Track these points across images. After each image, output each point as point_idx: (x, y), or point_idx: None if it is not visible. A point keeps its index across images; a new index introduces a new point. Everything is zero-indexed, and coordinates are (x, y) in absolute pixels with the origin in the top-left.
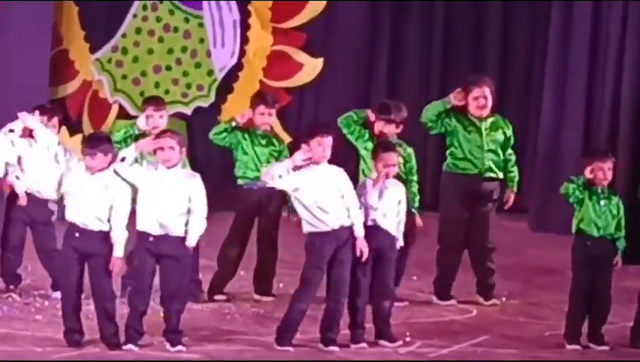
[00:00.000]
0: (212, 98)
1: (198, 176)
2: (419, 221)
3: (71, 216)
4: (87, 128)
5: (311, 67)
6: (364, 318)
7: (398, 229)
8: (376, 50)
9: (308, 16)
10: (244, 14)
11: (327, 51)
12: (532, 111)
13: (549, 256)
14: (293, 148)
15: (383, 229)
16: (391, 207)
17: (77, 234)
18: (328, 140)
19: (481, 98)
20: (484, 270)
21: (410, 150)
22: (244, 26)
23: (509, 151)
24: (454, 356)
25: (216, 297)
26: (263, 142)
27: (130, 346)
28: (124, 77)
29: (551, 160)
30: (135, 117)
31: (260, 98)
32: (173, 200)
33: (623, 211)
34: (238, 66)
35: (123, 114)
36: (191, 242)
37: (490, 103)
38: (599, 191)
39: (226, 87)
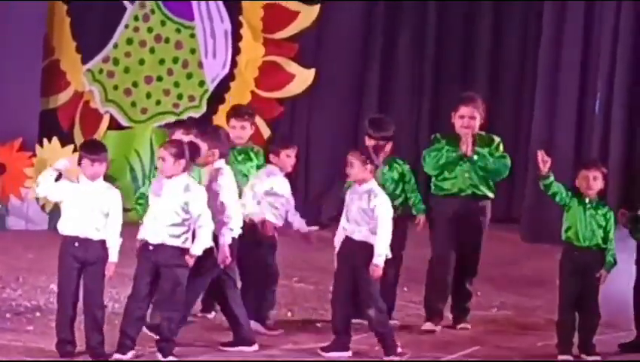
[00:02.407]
0: (203, 108)
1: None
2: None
3: (70, 227)
4: (79, 139)
5: (303, 78)
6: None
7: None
8: (369, 62)
9: (300, 27)
10: (236, 25)
11: (319, 62)
12: (523, 122)
13: (542, 266)
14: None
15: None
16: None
17: (76, 244)
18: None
19: (466, 118)
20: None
21: (406, 167)
22: (236, 37)
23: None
24: None
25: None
26: (240, 158)
27: (118, 356)
28: (116, 87)
29: None
30: (127, 127)
31: (231, 111)
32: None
33: (613, 223)
34: (230, 77)
35: (114, 124)
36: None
37: (476, 124)
38: (586, 201)
39: (217, 97)
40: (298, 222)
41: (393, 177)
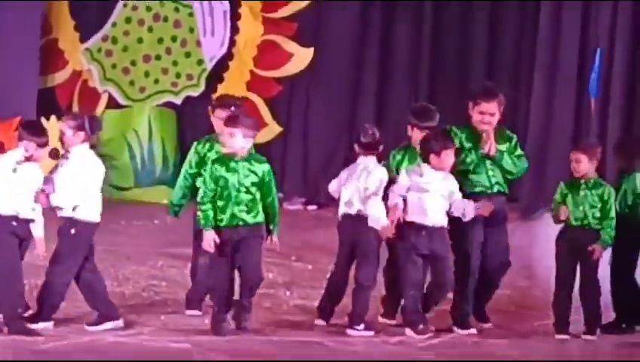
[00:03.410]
0: (202, 87)
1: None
2: None
3: (7, 207)
4: None
5: (301, 57)
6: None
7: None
8: (367, 40)
9: (298, 6)
10: (235, 4)
11: (318, 41)
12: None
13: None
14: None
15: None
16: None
17: (14, 223)
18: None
19: (487, 115)
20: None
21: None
22: (235, 16)
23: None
24: (444, 345)
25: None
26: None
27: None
28: (114, 66)
29: (539, 159)
30: (125, 106)
31: (216, 101)
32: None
33: (613, 203)
34: (228, 56)
35: (112, 103)
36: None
37: (495, 120)
38: (581, 182)
39: (216, 76)
40: None
41: None
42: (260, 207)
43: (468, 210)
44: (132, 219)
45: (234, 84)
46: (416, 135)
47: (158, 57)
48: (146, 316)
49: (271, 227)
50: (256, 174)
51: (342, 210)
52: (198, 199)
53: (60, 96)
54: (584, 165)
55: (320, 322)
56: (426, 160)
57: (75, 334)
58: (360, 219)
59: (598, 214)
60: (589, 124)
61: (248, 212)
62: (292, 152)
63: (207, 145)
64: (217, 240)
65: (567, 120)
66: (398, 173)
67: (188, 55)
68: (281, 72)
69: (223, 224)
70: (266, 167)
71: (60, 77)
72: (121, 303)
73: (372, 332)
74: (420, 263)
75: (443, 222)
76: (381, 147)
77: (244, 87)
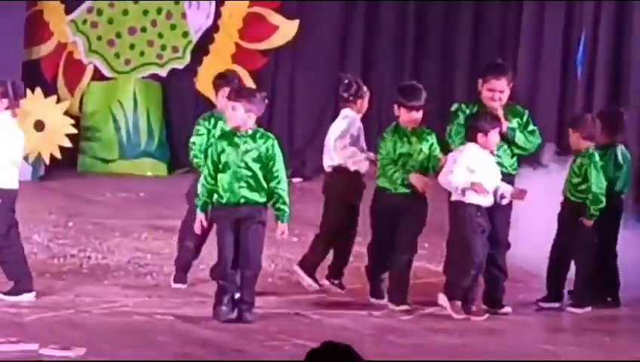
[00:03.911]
0: (187, 60)
1: None
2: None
3: None
4: (62, 90)
5: (286, 29)
6: None
7: None
8: (352, 13)
9: None
10: None
11: (303, 13)
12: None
13: None
14: None
15: None
16: None
17: None
18: None
19: (497, 92)
20: None
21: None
22: None
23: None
24: (429, 319)
25: None
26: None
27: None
28: (99, 38)
29: None
30: (110, 78)
31: (222, 79)
32: None
33: (592, 174)
34: (214, 28)
35: (97, 75)
36: None
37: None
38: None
39: (201, 48)
40: None
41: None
42: (264, 186)
43: (508, 193)
44: (117, 191)
45: (219, 56)
46: (404, 115)
47: (143, 29)
48: (131, 288)
49: (277, 213)
50: (258, 150)
51: None
52: (201, 178)
53: (45, 68)
54: (571, 138)
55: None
56: (473, 139)
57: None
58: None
59: (582, 186)
60: (573, 107)
61: (250, 189)
62: (277, 125)
63: (212, 122)
64: (205, 224)
65: (552, 101)
66: (396, 157)
67: (173, 27)
68: (266, 45)
69: (223, 201)
70: (271, 142)
71: (45, 49)
72: (106, 275)
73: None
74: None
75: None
76: (360, 99)
77: (229, 59)
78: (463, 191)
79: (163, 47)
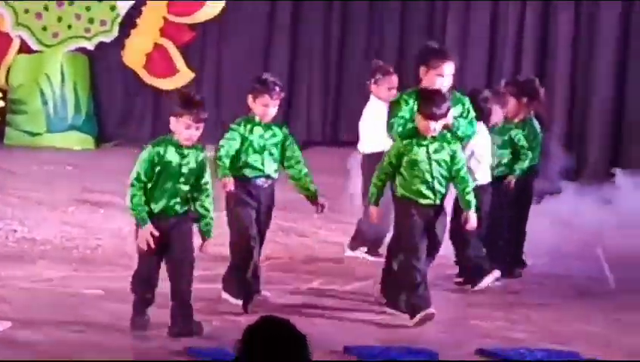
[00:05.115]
0: (115, 33)
1: None
2: None
3: None
4: None
5: (214, 3)
6: None
7: None
8: None
9: None
10: None
11: None
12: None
13: None
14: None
15: None
16: None
17: None
18: None
19: (448, 76)
20: None
21: None
22: None
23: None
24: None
25: None
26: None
27: None
28: (27, 11)
29: None
30: (37, 51)
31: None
32: None
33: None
34: (142, 1)
35: (25, 48)
36: None
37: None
38: None
39: (129, 22)
40: None
41: None
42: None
43: None
44: (43, 165)
45: (147, 30)
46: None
47: (70, 3)
48: (57, 262)
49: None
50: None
51: None
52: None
53: None
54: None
55: None
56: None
57: None
58: None
59: (504, 160)
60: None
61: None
62: (204, 100)
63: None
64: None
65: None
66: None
67: (101, 1)
68: (193, 19)
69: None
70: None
71: None
72: (32, 249)
73: None
74: None
75: None
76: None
77: (157, 33)
78: None
79: (91, 21)
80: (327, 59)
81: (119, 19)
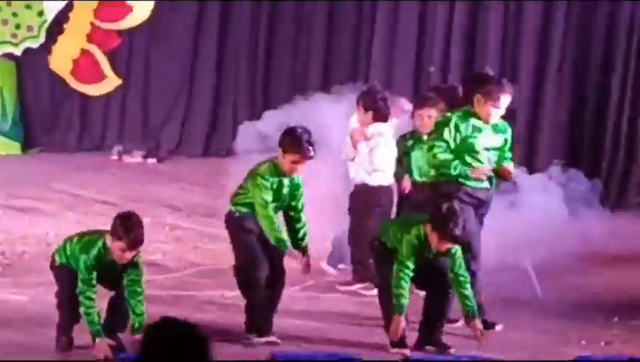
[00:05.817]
0: (42, 39)
1: None
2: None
3: None
4: None
5: (141, 10)
6: None
7: None
8: None
9: None
10: None
11: None
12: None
13: None
14: None
15: None
16: None
17: None
18: None
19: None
20: None
21: None
22: None
23: None
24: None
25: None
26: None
27: None
28: None
29: None
30: None
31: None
32: None
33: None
34: (69, 7)
35: None
36: None
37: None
38: None
39: (56, 27)
40: None
41: None
42: None
43: None
44: None
45: (74, 35)
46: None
47: None
48: None
49: None
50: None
51: None
52: None
53: None
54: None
55: None
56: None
57: None
58: None
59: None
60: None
61: None
62: (131, 105)
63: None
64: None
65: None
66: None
67: (28, 7)
68: (121, 25)
69: None
70: None
71: None
72: None
73: None
74: None
75: None
76: None
77: (84, 38)
78: None
79: (17, 26)
80: (255, 59)
81: (46, 25)
